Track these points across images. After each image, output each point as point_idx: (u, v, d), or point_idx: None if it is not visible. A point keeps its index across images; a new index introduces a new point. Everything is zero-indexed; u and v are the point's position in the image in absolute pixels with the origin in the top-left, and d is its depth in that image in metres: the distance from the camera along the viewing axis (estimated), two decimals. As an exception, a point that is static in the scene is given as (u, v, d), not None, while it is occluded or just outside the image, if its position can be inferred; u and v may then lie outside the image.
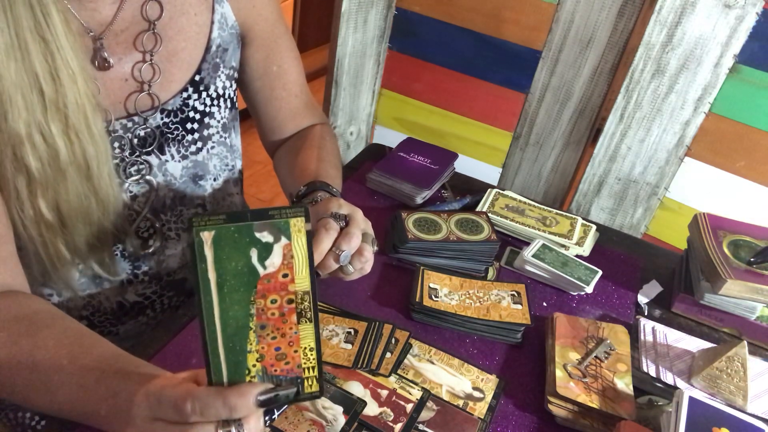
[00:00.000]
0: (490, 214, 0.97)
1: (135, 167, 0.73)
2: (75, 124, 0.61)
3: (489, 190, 1.05)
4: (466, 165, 1.20)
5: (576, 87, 1.21)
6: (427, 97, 1.39)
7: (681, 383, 0.71)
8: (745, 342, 0.71)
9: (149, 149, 0.73)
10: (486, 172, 1.37)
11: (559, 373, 0.69)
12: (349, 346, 0.69)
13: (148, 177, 0.74)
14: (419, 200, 1.02)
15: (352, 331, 0.71)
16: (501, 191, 1.05)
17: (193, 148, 0.77)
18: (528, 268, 0.89)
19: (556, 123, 1.26)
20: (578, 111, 1.23)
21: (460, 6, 1.25)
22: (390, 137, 1.45)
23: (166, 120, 0.73)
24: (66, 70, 0.59)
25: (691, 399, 0.62)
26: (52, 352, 0.56)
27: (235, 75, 0.81)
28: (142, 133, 0.72)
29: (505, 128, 1.33)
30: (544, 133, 1.29)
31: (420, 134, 1.38)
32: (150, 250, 0.77)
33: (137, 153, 0.72)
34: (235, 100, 0.83)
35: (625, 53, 1.15)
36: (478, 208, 1.00)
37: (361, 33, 1.31)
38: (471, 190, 1.07)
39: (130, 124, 0.70)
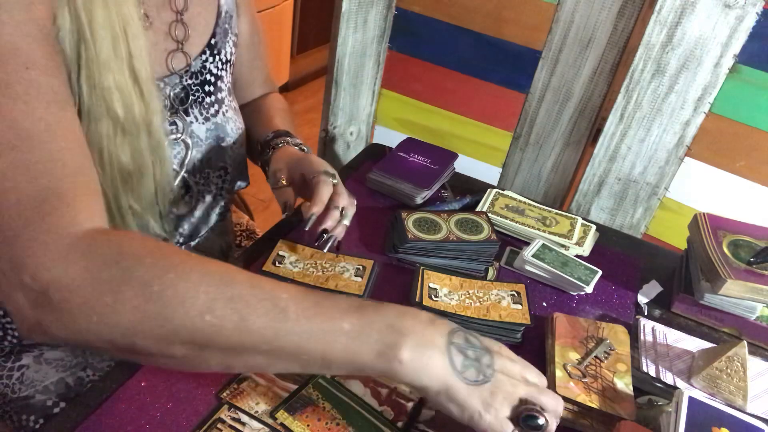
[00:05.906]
0: (490, 214, 0.97)
1: (171, 127, 0.76)
2: (141, 79, 0.63)
3: (489, 190, 1.05)
4: (466, 165, 1.20)
5: (576, 87, 1.21)
6: (427, 97, 1.39)
7: (681, 383, 0.71)
8: (745, 342, 0.71)
9: (177, 110, 0.76)
10: (486, 172, 1.37)
11: (559, 373, 0.69)
12: (359, 279, 0.80)
13: (184, 137, 0.77)
14: (419, 200, 1.02)
15: (360, 267, 0.81)
16: (501, 191, 1.05)
17: (212, 110, 0.81)
18: (528, 268, 0.89)
19: (556, 123, 1.26)
20: (578, 111, 1.23)
21: (460, 6, 1.26)
22: (390, 137, 1.45)
23: (189, 82, 0.76)
24: (132, 25, 0.61)
25: (691, 399, 0.62)
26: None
27: (237, 42, 0.86)
28: (171, 94, 0.75)
29: (505, 128, 1.33)
30: (544, 133, 1.29)
31: (420, 134, 1.38)
32: (185, 211, 0.81)
33: (169, 113, 0.75)
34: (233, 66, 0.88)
35: (625, 53, 1.15)
36: (478, 208, 1.00)
37: (361, 33, 1.31)
38: (471, 190, 1.07)
39: (161, 84, 0.73)
